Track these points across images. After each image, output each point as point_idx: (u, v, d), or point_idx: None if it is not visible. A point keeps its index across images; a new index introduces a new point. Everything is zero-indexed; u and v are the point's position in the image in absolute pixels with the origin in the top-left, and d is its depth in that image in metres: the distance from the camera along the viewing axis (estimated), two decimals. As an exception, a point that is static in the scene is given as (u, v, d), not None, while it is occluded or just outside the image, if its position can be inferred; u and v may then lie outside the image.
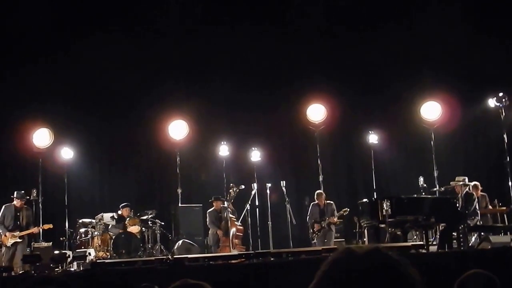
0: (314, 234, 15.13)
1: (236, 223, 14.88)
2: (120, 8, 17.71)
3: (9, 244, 13.78)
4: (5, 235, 13.81)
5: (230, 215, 14.86)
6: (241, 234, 15.02)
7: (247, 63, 18.04)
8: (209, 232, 15.26)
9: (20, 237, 13.90)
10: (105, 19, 17.54)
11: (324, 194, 15.60)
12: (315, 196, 15.55)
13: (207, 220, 15.26)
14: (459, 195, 13.45)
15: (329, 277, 1.64)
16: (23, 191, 14.43)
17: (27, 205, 14.44)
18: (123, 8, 17.73)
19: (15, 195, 14.20)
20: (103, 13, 17.59)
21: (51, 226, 14.88)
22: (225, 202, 14.94)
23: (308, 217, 15.42)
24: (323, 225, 15.06)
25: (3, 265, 13.01)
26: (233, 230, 14.63)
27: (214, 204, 15.30)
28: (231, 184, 15.24)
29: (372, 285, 1.59)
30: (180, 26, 17.77)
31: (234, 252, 13.66)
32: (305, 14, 17.87)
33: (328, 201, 15.47)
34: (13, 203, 14.17)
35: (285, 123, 18.11)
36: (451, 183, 14.15)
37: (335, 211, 15.21)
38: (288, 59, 18.14)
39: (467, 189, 13.63)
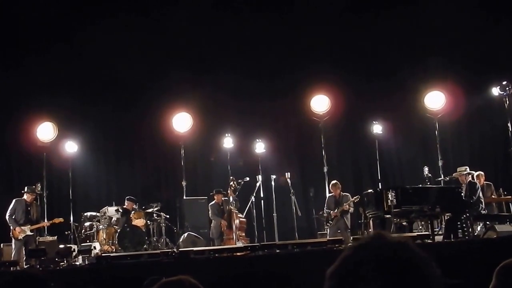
0: (328, 224, 15.05)
1: (238, 215, 14.87)
2: (125, 4, 17.68)
3: (20, 237, 13.88)
4: (15, 229, 13.89)
5: (232, 208, 14.84)
6: (245, 226, 15.01)
7: (251, 56, 18.01)
8: (212, 225, 15.25)
9: (31, 231, 14.00)
10: (110, 12, 17.48)
11: (339, 184, 15.46)
12: (330, 187, 15.50)
13: (209, 213, 15.28)
14: (463, 184, 13.45)
15: (353, 261, 1.62)
16: (33, 186, 14.50)
17: (35, 200, 14.50)
18: (128, 5, 17.70)
19: (25, 190, 14.28)
20: (107, 5, 17.56)
21: (62, 220, 14.91)
22: (231, 197, 14.89)
23: (325, 207, 15.35)
24: (336, 214, 14.98)
25: (12, 259, 13.12)
26: (236, 222, 14.63)
27: (215, 197, 15.32)
28: (231, 177, 15.22)
29: (394, 278, 1.57)
30: (184, 17, 17.71)
31: (239, 244, 13.66)
32: (310, 4, 17.79)
33: (344, 193, 15.36)
34: (23, 197, 14.24)
35: (290, 114, 18.09)
36: (454, 174, 14.14)
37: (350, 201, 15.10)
38: (292, 50, 18.11)
39: (470, 178, 13.62)
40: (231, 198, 14.84)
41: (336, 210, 15.03)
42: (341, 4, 17.79)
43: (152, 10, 18.00)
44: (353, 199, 15.04)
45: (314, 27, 17.90)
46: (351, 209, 15.12)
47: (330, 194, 15.47)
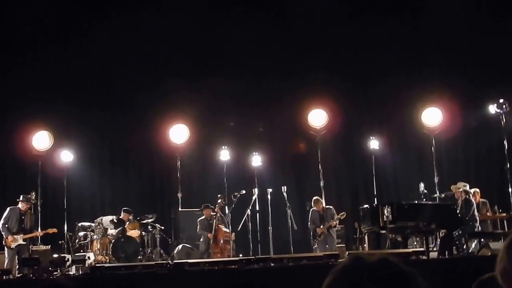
0: (315, 240, 15.10)
1: (224, 229, 14.89)
2: (120, 9, 17.68)
3: (13, 246, 13.81)
4: (7, 238, 13.82)
5: (217, 222, 14.86)
6: (229, 240, 14.93)
7: (249, 68, 18.03)
8: (201, 239, 15.19)
9: (23, 240, 13.92)
10: (106, 20, 17.49)
11: (321, 200, 15.57)
12: (312, 203, 15.55)
13: (198, 228, 15.23)
14: (459, 201, 13.46)
15: (338, 285, 1.61)
16: (29, 195, 14.45)
17: (30, 209, 14.43)
18: (123, 10, 17.70)
19: (21, 198, 14.21)
20: (103, 12, 17.59)
21: (55, 230, 14.80)
22: (217, 214, 14.95)
23: (309, 223, 15.42)
24: (323, 230, 15.04)
25: (5, 267, 13.04)
26: (221, 236, 14.69)
27: (204, 212, 15.29)
28: (219, 195, 15.27)
29: None
30: (181, 29, 17.74)
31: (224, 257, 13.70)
32: (306, 17, 17.82)
33: (327, 206, 15.46)
34: (18, 206, 14.17)
35: (287, 128, 18.08)
36: (451, 187, 14.13)
37: (335, 215, 15.18)
38: (290, 63, 18.15)
39: (466, 195, 13.61)
40: (218, 214, 14.90)
41: (322, 226, 15.07)
42: (339, 20, 17.85)
43: (149, 19, 17.96)
44: (339, 216, 15.12)
45: (312, 41, 17.97)
46: (337, 223, 15.22)
47: (313, 209, 15.47)
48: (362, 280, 1.58)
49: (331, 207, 15.49)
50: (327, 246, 14.89)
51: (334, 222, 15.10)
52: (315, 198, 15.67)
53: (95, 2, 17.63)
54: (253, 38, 17.71)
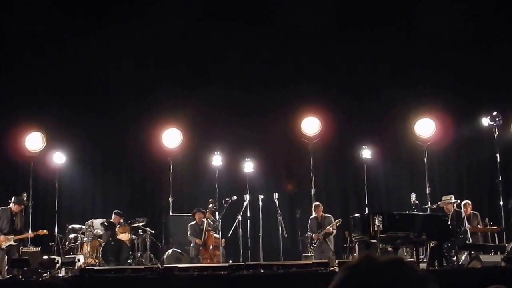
0: (311, 247, 15.09)
1: (214, 235, 14.87)
2: (115, 16, 17.69)
3: (3, 246, 13.74)
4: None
5: (208, 228, 14.84)
6: (219, 246, 14.90)
7: (242, 75, 18.06)
8: (191, 244, 15.16)
9: (14, 241, 13.87)
10: (101, 25, 17.50)
11: (321, 206, 15.53)
12: (313, 208, 15.54)
13: (188, 233, 15.20)
14: (449, 213, 13.49)
15: (347, 284, 1.57)
16: (21, 197, 14.39)
17: (21, 210, 14.38)
18: (119, 16, 17.71)
19: (13, 200, 14.14)
20: (99, 17, 17.59)
21: (46, 232, 14.76)
22: (208, 219, 14.95)
23: (308, 230, 15.41)
24: (319, 237, 15.02)
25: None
26: (211, 242, 14.67)
27: (196, 216, 15.26)
28: (210, 200, 15.26)
29: None
30: (175, 35, 17.75)
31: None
32: (301, 27, 17.84)
33: (326, 214, 15.44)
34: (9, 206, 14.11)
35: (280, 135, 18.07)
36: (439, 203, 14.16)
37: (333, 223, 15.15)
38: (284, 71, 18.18)
39: (455, 207, 13.65)
40: (208, 220, 14.87)
41: (318, 233, 15.07)
42: (335, 32, 17.90)
43: (144, 26, 17.96)
44: (335, 222, 15.10)
45: (308, 52, 18.01)
46: (334, 232, 15.18)
47: (313, 216, 15.49)
48: (373, 283, 1.53)
49: (330, 215, 15.45)
50: (323, 253, 14.84)
51: (331, 229, 15.08)
52: (315, 203, 15.67)
53: (90, 8, 17.60)
54: (248, 47, 17.73)
